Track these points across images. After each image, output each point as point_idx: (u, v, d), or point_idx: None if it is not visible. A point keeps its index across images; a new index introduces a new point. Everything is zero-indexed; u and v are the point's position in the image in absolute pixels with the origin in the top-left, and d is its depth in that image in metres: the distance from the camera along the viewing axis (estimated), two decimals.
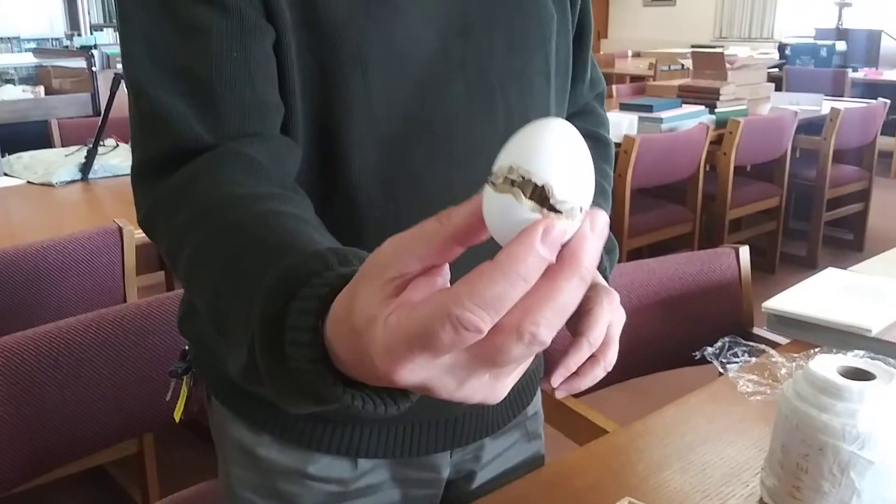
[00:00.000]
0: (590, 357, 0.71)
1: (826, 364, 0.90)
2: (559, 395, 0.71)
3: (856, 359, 0.92)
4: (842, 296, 1.42)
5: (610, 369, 0.73)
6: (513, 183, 0.40)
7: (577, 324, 0.72)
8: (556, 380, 0.69)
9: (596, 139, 1.00)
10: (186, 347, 0.95)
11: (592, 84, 1.02)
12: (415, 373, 0.42)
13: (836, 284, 1.49)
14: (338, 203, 0.77)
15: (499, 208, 0.40)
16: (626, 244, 3.22)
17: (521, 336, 0.39)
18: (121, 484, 2.23)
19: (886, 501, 0.86)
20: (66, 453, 1.37)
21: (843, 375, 0.89)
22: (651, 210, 3.41)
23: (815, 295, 1.44)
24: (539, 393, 1.06)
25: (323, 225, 0.64)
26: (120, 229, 1.92)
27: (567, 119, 0.86)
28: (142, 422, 1.44)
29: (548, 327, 0.39)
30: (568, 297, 0.39)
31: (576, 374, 0.70)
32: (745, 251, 1.65)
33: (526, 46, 0.83)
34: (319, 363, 0.47)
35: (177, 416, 0.94)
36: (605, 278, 0.86)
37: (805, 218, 4.29)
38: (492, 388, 0.44)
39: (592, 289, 0.74)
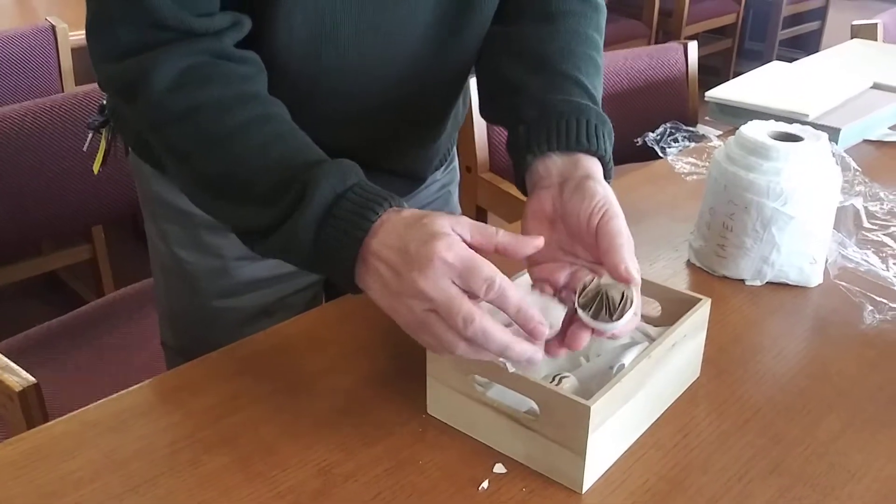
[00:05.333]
0: None
1: (757, 128, 0.93)
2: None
3: (787, 125, 0.95)
4: (784, 85, 1.44)
5: None
6: None
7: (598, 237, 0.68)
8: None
9: (585, 1, 0.88)
10: (104, 102, 0.95)
11: None
12: (433, 275, 0.60)
13: (780, 75, 1.51)
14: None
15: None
16: None
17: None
18: (76, 290, 2.26)
19: (803, 255, 0.91)
20: (16, 243, 1.37)
21: (773, 139, 0.91)
22: (606, 24, 3.34)
23: (758, 84, 1.45)
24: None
25: None
26: (53, 27, 1.84)
27: None
28: (88, 213, 1.44)
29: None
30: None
31: None
32: (693, 46, 1.65)
33: None
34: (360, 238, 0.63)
35: (95, 168, 0.96)
36: (607, 165, 0.77)
37: (761, 39, 4.26)
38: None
39: (616, 217, 0.68)
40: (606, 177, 0.76)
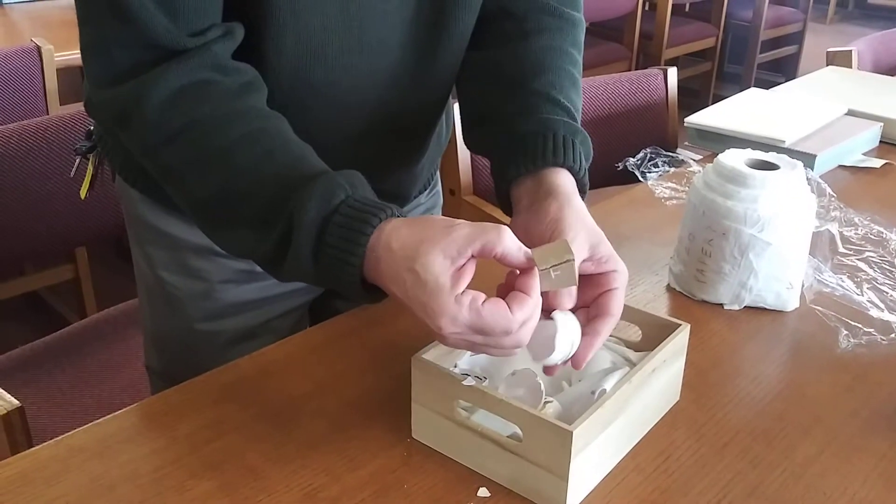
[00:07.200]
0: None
1: (735, 156, 0.95)
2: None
3: (763, 153, 0.97)
4: (761, 111, 1.47)
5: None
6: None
7: (600, 299, 0.71)
8: (588, 355, 0.69)
9: (560, 17, 0.89)
10: (91, 128, 0.96)
11: None
12: (451, 336, 0.62)
13: (757, 102, 1.54)
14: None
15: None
16: None
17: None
18: (59, 311, 2.24)
19: (779, 280, 0.93)
20: None
21: (750, 167, 0.94)
22: (587, 48, 3.37)
23: (736, 111, 1.48)
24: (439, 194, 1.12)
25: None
26: (38, 48, 1.85)
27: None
28: (72, 235, 1.44)
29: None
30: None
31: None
32: (672, 72, 1.68)
33: None
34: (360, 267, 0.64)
35: (82, 193, 0.97)
36: (578, 174, 0.78)
37: (739, 61, 4.32)
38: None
39: (615, 266, 0.72)
40: (580, 185, 0.77)
